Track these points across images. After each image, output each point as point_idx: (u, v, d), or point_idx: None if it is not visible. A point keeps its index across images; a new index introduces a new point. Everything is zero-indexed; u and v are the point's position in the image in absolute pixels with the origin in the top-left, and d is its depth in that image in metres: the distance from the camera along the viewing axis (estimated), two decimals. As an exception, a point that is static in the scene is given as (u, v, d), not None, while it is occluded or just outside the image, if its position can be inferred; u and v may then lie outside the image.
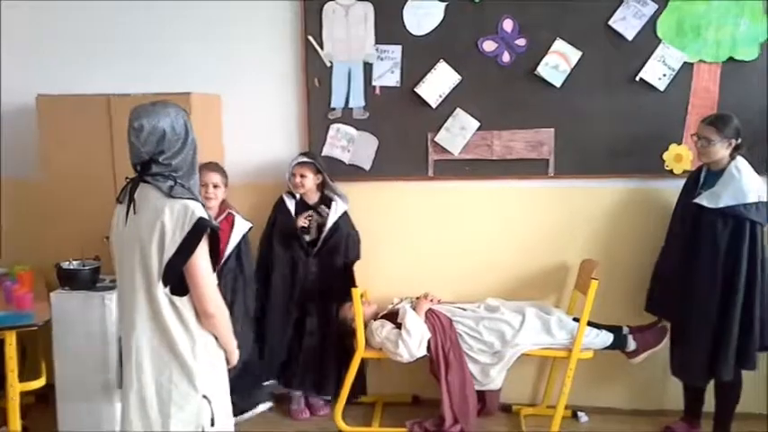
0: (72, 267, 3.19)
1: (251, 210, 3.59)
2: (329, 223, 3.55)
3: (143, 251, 2.00)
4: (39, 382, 3.02)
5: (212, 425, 2.08)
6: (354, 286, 3.30)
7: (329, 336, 3.58)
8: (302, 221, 3.57)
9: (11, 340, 2.88)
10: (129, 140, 2.04)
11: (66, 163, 3.45)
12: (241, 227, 3.36)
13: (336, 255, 3.56)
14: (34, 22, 3.80)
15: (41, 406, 3.49)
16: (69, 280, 3.16)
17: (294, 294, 3.59)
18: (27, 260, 3.51)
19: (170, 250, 1.98)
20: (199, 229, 1.99)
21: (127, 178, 2.12)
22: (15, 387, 2.92)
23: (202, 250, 2.02)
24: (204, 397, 2.06)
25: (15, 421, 2.92)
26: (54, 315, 3.08)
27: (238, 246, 3.33)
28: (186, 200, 2.01)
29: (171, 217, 1.98)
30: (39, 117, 3.47)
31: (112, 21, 3.75)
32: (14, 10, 3.80)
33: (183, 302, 2.04)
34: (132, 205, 2.05)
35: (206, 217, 2.03)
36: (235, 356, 2.23)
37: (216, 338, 2.14)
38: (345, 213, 3.61)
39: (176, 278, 2.01)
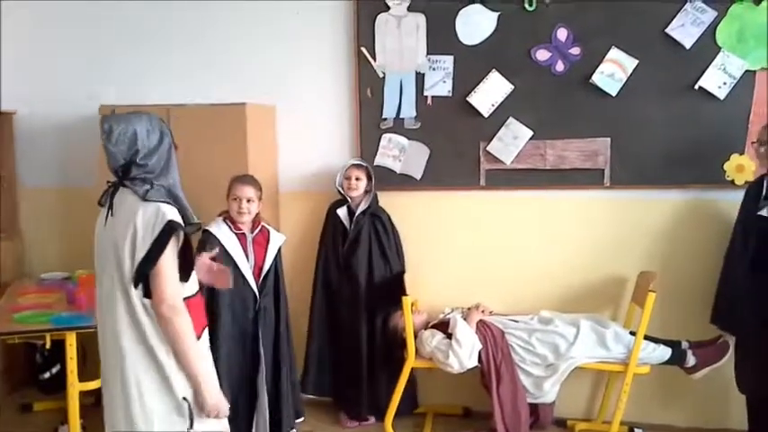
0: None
1: (304, 218, 3.61)
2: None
3: (117, 254, 2.02)
4: (98, 383, 3.02)
5: (191, 426, 2.07)
6: (405, 295, 3.29)
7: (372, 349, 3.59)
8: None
9: (71, 341, 2.98)
10: (104, 146, 2.07)
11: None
12: (277, 240, 3.29)
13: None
14: (93, 35, 3.97)
15: (100, 406, 3.55)
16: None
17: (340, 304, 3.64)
18: (87, 265, 3.61)
19: (140, 252, 1.99)
20: (168, 232, 2.00)
21: (108, 182, 2.15)
22: (75, 387, 3.00)
23: (170, 251, 2.02)
24: (184, 399, 2.06)
25: (75, 420, 3.00)
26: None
27: (275, 260, 3.27)
28: (160, 203, 2.03)
29: (143, 219, 2.00)
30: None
31: (170, 33, 3.88)
32: (78, 26, 3.96)
33: None
34: (111, 209, 2.09)
35: (178, 220, 2.04)
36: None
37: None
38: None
39: (146, 280, 2.02)
